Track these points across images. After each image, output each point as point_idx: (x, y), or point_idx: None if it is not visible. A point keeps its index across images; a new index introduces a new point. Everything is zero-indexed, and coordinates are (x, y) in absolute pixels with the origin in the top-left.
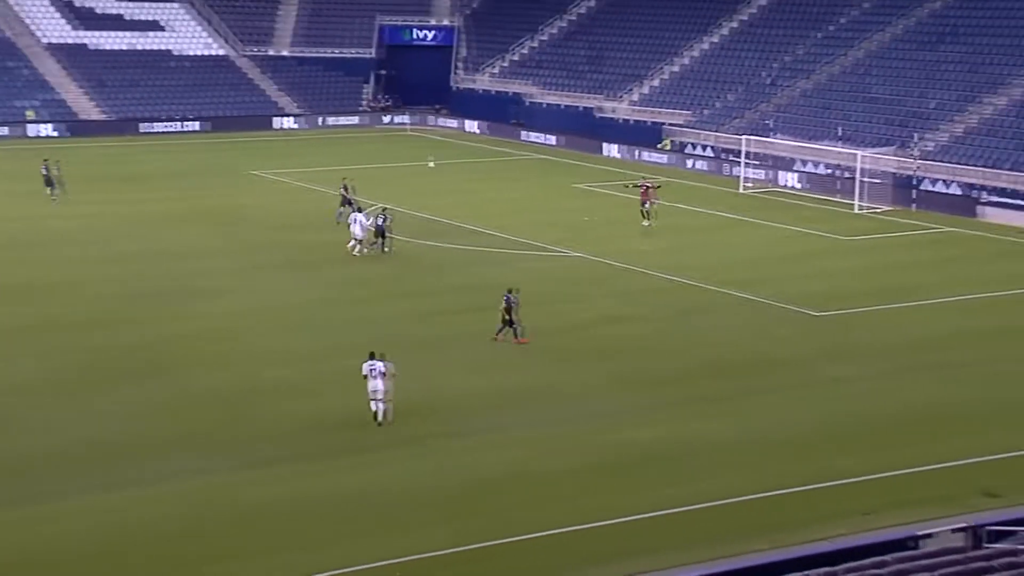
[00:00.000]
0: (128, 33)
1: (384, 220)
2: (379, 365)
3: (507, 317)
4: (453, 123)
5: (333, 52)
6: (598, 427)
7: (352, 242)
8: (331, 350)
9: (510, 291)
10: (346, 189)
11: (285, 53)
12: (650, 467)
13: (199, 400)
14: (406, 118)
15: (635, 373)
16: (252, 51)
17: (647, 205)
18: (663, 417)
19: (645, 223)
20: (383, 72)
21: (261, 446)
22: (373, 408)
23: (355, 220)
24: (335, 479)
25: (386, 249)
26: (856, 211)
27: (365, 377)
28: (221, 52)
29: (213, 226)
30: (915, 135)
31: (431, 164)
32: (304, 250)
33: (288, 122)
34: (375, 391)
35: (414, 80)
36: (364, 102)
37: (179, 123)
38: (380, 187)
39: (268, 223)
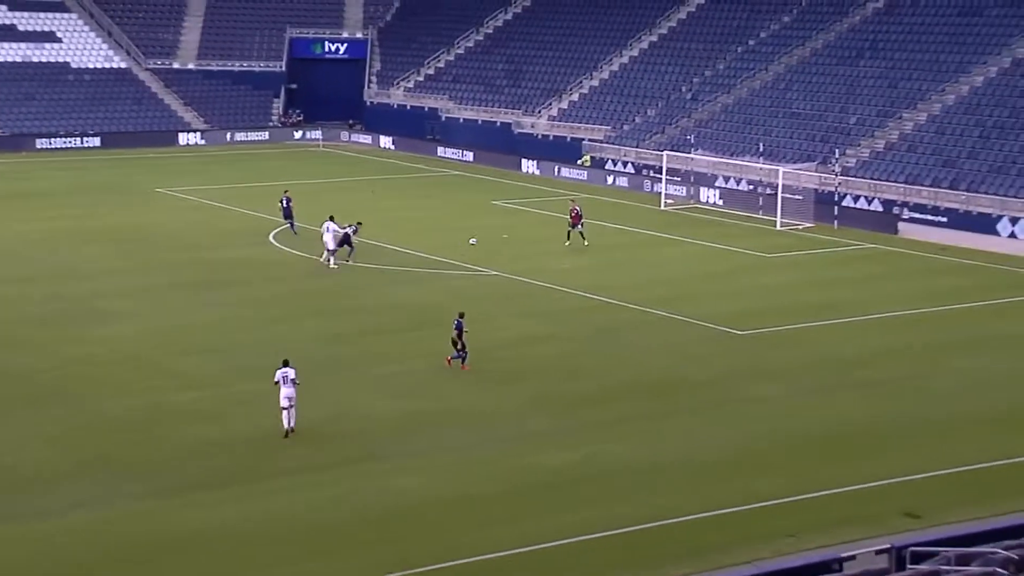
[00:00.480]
0: (22, 44)
1: (353, 229)
2: (291, 372)
3: (460, 342)
4: (366, 139)
5: (240, 65)
6: (516, 450)
7: (325, 254)
8: (240, 372)
9: (461, 315)
10: (288, 201)
11: (190, 66)
12: (569, 491)
13: (104, 426)
14: (317, 134)
15: (553, 394)
16: (155, 64)
17: (579, 227)
18: (582, 439)
19: (583, 243)
20: (293, 86)
21: (171, 473)
22: (285, 418)
23: (327, 229)
24: (248, 506)
25: (350, 260)
26: (778, 228)
27: (277, 384)
28: (122, 65)
29: (117, 245)
30: (836, 151)
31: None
32: (212, 269)
33: (194, 138)
34: (289, 398)
35: (325, 95)
36: (273, 117)
37: (78, 139)
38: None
39: (174, 242)
